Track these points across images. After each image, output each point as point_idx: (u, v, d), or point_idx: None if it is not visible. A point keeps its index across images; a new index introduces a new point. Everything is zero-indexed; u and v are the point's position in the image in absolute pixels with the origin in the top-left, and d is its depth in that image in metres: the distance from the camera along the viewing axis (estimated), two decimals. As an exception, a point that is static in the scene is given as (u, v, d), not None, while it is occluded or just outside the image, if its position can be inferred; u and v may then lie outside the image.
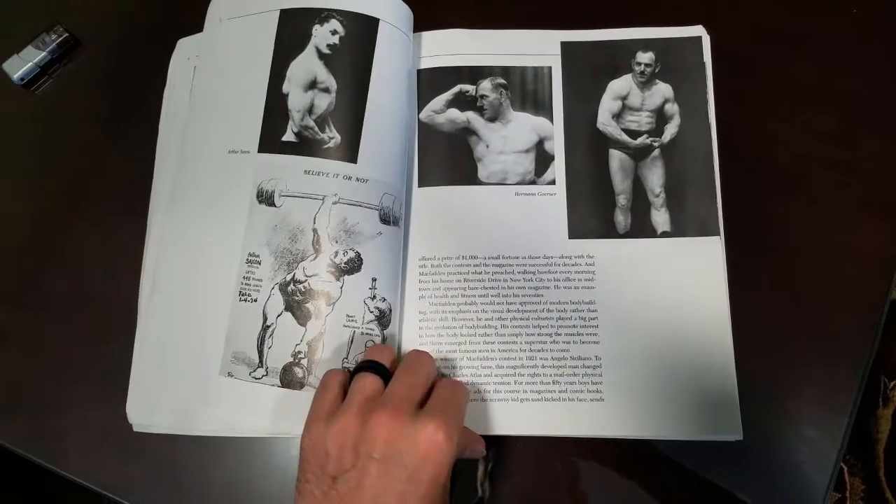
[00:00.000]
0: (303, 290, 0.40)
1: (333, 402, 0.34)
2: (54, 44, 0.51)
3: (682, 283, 0.42)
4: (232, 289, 0.41)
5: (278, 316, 0.40)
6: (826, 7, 0.48)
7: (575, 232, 0.44)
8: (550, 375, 0.41)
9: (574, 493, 0.41)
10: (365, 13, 0.43)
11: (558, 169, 0.45)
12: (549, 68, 0.47)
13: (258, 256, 0.41)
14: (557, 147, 0.45)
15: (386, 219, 0.41)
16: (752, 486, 0.40)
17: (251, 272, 0.41)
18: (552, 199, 0.44)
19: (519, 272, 0.43)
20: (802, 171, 0.44)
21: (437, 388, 0.35)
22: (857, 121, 0.45)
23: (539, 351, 0.41)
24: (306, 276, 0.40)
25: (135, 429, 0.41)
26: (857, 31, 0.47)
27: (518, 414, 0.40)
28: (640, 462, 0.40)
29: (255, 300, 0.40)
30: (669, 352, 0.41)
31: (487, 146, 0.45)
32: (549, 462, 0.41)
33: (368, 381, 0.34)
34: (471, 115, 0.46)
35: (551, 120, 0.46)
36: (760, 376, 0.41)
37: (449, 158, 0.45)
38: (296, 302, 0.40)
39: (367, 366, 0.35)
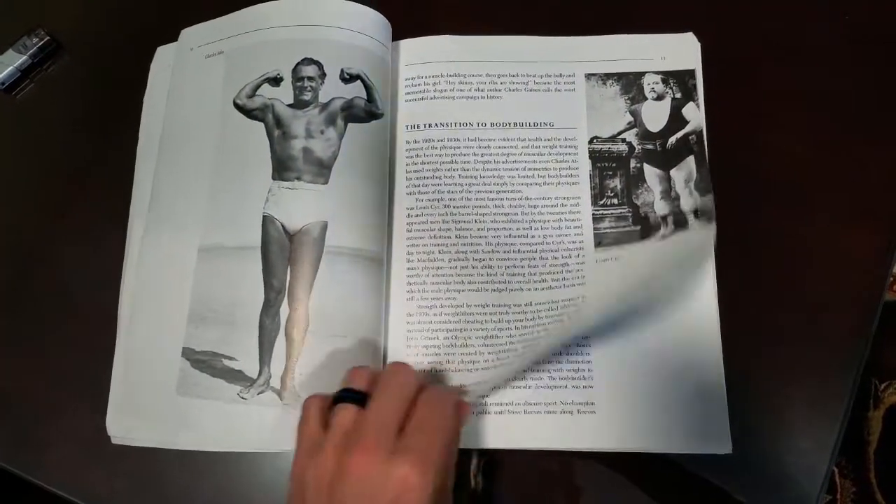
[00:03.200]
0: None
1: (314, 435, 0.33)
2: (35, 47, 0.50)
3: (672, 293, 0.42)
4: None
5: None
6: (818, 13, 0.47)
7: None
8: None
9: (566, 499, 0.40)
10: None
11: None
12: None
13: None
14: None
15: None
16: (744, 493, 0.39)
17: None
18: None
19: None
20: (794, 179, 0.44)
21: (418, 408, 0.34)
22: (849, 128, 0.45)
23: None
24: None
25: (113, 441, 0.41)
26: (850, 37, 0.47)
27: (509, 427, 0.40)
28: (632, 469, 0.40)
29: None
30: (659, 364, 0.41)
31: None
32: (542, 466, 0.40)
33: (345, 415, 0.33)
34: None
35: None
36: (752, 385, 0.40)
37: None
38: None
39: (346, 396, 0.34)
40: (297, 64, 0.43)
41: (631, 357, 0.41)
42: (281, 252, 0.40)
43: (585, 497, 0.40)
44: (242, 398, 0.39)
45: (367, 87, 0.43)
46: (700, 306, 0.41)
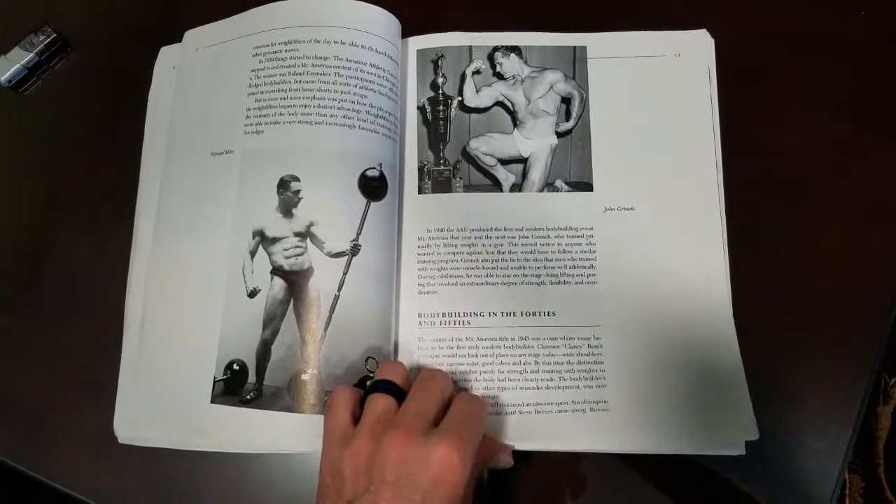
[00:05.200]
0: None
1: (345, 424, 0.34)
2: (42, 45, 0.50)
3: (686, 292, 0.41)
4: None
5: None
6: (834, 10, 0.47)
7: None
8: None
9: (575, 490, 0.40)
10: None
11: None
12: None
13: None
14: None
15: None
16: (757, 493, 0.39)
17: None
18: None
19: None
20: (809, 179, 0.44)
21: (453, 405, 0.34)
22: (864, 127, 0.44)
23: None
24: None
25: (120, 441, 0.41)
26: (866, 34, 0.46)
27: (520, 428, 0.40)
28: (644, 466, 0.40)
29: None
30: (673, 364, 0.40)
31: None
32: (551, 459, 0.40)
33: (381, 402, 0.33)
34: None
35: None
36: (766, 386, 0.40)
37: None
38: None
39: (380, 385, 0.34)
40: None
41: (645, 357, 0.40)
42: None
43: (596, 489, 0.40)
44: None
45: None
46: (714, 305, 0.41)
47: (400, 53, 0.45)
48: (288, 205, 0.41)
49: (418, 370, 0.39)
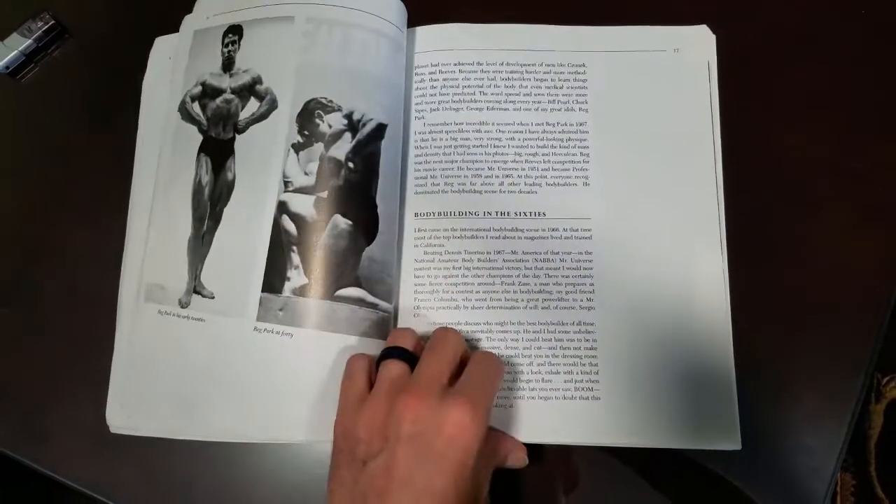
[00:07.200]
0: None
1: (361, 389, 0.35)
2: (40, 31, 0.49)
3: (683, 291, 0.41)
4: None
5: None
6: (835, 8, 0.47)
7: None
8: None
9: (567, 493, 0.40)
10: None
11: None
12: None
13: None
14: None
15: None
16: (751, 490, 0.39)
17: None
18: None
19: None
20: (808, 178, 0.44)
21: (468, 365, 0.35)
22: (866, 126, 0.44)
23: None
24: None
25: (112, 430, 0.41)
26: (867, 32, 0.46)
27: (508, 420, 0.40)
28: (637, 462, 0.40)
29: None
30: (668, 359, 0.40)
31: None
32: (542, 452, 0.40)
33: (394, 367, 0.35)
34: None
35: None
36: (761, 383, 0.40)
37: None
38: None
39: (393, 352, 0.36)
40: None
41: (639, 353, 0.40)
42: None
43: (587, 485, 0.40)
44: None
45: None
46: (710, 301, 0.41)
47: (405, 40, 0.45)
48: None
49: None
